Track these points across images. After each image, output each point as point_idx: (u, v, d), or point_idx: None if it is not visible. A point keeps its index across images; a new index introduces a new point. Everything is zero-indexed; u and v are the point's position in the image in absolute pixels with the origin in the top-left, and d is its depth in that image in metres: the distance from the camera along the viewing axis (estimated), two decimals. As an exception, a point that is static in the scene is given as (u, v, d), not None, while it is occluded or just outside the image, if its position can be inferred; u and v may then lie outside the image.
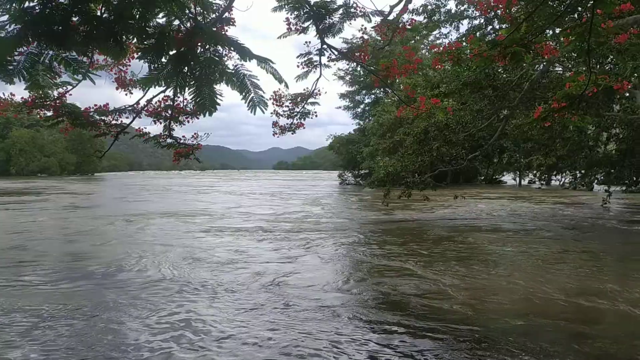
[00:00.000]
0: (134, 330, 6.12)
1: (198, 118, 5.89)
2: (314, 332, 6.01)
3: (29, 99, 5.11)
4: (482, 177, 61.28)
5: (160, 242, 13.25)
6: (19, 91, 4.71)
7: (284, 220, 18.91)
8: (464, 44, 8.30)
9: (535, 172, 51.68)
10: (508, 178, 62.36)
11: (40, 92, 4.73)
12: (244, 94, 4.05)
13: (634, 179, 29.76)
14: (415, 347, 5.54)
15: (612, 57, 15.21)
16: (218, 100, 4.16)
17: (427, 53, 42.02)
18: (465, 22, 19.64)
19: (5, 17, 3.56)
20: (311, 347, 5.52)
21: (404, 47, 9.01)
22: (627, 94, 18.04)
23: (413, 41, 48.26)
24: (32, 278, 9.01)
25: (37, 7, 3.46)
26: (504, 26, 13.29)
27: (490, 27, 18.40)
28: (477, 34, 17.48)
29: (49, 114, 5.24)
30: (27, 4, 3.43)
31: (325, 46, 6.09)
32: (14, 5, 3.30)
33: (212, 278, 8.96)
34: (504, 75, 16.74)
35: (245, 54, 4.00)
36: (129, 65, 5.52)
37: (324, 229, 16.20)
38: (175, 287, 8.25)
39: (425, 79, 20.58)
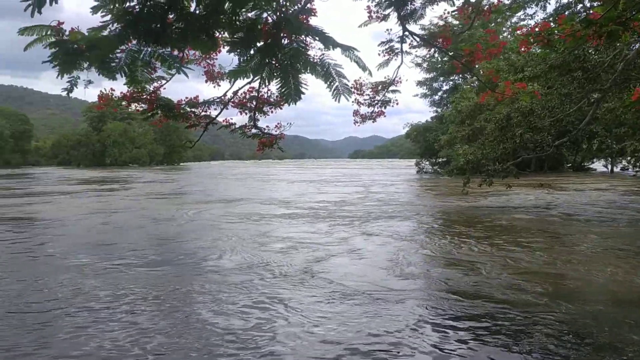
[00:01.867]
0: (218, 316, 6.43)
1: (281, 108, 6.06)
2: (390, 320, 6.04)
3: (127, 94, 5.46)
4: (569, 165, 58.20)
5: (241, 228, 13.77)
6: (111, 85, 5.02)
7: (357, 207, 19.02)
8: (552, 24, 7.90)
9: (629, 158, 48.35)
10: (598, 165, 58.80)
11: (138, 87, 5.06)
12: (328, 82, 4.13)
13: None
14: (500, 337, 5.42)
15: None
16: (303, 90, 4.26)
17: (509, 36, 40.29)
18: (553, 1, 18.61)
19: (109, 17, 3.84)
20: (385, 334, 5.56)
21: (487, 30, 8.74)
22: None
23: (493, 24, 46.43)
24: (120, 262, 9.65)
25: (136, 7, 3.69)
26: (595, 4, 12.51)
27: (581, 5, 17.33)
28: (566, 13, 16.53)
29: (145, 107, 5.59)
30: (127, 3, 3.68)
31: (407, 33, 6.02)
32: (116, 5, 3.55)
33: (286, 266, 9.22)
34: (595, 57, 15.74)
35: (329, 43, 4.06)
36: (216, 59, 5.76)
37: (396, 216, 16.14)
38: (255, 275, 8.54)
39: (508, 63, 19.78)
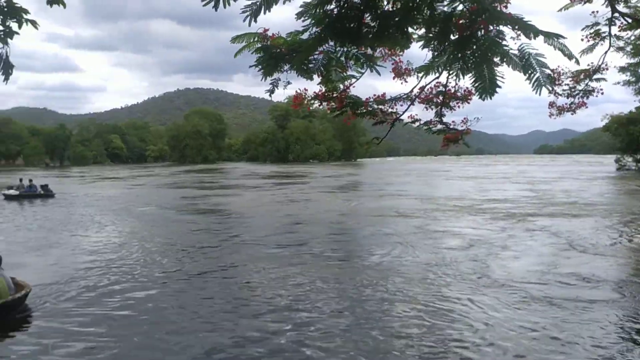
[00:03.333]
0: (405, 311, 6.45)
1: (469, 103, 5.84)
2: (590, 335, 5.49)
3: (319, 93, 5.74)
4: None
5: (412, 223, 13.71)
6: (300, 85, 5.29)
7: (536, 207, 17.66)
8: None
9: None
10: None
11: (330, 85, 5.27)
12: (528, 73, 3.84)
13: None
14: None
15: None
16: (499, 83, 4.03)
17: None
18: None
19: (308, 21, 4.05)
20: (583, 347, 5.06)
21: None
22: None
23: None
24: (306, 253, 10.28)
25: (334, 9, 3.84)
26: None
27: None
28: None
29: (335, 105, 5.81)
30: (327, 6, 3.84)
31: (616, 14, 5.38)
32: (318, 9, 3.73)
33: (460, 265, 9.01)
34: None
35: (530, 31, 3.79)
36: (402, 54, 5.75)
37: (580, 216, 14.62)
38: (432, 274, 8.45)
39: None
